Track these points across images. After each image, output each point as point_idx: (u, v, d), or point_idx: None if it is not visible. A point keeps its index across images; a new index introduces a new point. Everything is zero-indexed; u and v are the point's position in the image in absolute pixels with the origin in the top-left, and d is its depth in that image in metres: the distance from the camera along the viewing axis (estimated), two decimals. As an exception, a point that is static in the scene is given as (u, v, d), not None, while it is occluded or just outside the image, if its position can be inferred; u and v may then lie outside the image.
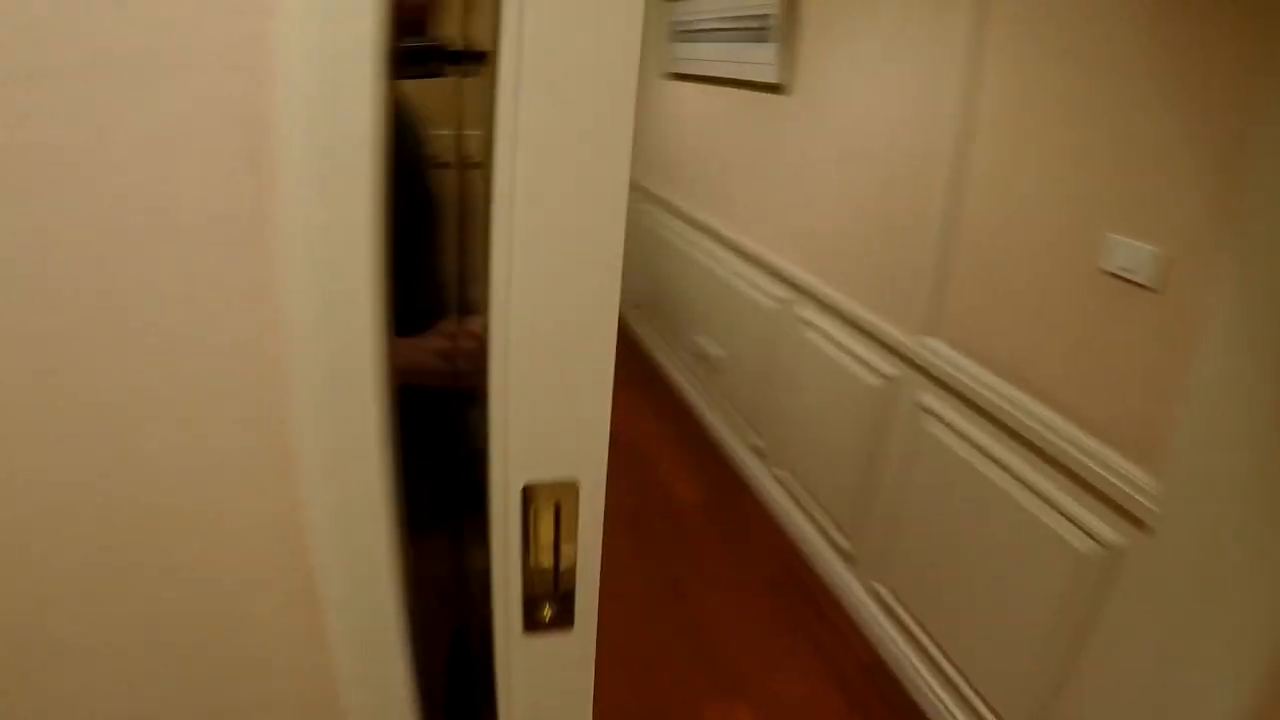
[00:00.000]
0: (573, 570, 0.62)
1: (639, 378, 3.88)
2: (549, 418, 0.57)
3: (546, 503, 0.59)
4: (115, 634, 0.55)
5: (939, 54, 1.84)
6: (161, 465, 0.51)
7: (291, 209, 0.48)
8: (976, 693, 1.78)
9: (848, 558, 2.32)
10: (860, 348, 2.19)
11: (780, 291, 2.64)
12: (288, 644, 0.60)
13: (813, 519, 2.51)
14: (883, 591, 2.14)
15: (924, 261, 1.92)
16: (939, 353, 1.88)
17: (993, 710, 1.74)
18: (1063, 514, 1.51)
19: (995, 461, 1.69)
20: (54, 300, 0.46)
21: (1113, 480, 1.40)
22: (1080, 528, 1.47)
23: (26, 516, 0.50)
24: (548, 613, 0.64)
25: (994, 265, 1.71)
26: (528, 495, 0.59)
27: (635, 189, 4.21)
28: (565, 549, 0.61)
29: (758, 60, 2.63)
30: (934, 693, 1.92)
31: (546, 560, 0.61)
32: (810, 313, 2.45)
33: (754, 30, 2.61)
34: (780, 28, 2.47)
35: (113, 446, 0.50)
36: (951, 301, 1.85)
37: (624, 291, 0.54)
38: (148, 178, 0.45)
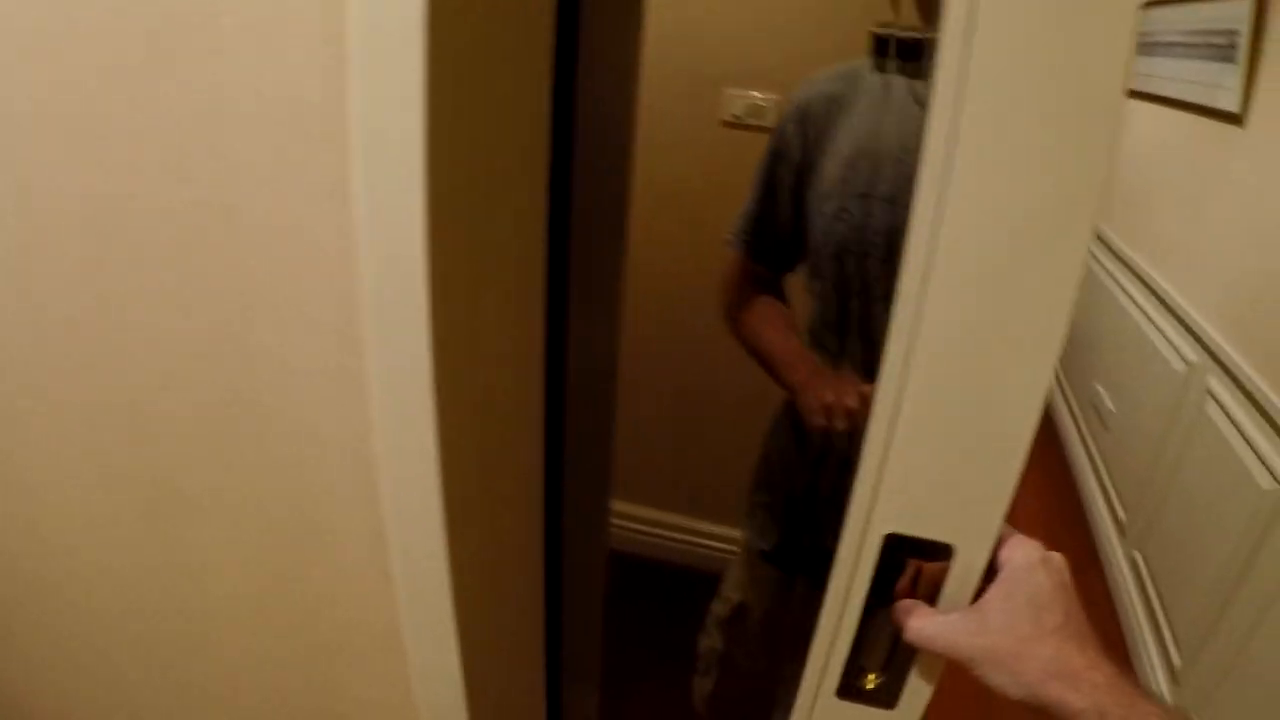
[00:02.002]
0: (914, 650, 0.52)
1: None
2: (935, 465, 0.48)
3: (909, 563, 0.51)
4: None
5: None
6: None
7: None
8: None
9: (1174, 678, 1.98)
10: (1265, 442, 1.81)
11: (1191, 353, 2.26)
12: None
13: (1153, 620, 2.16)
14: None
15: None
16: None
17: None
18: None
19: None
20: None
21: None
22: None
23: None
24: (871, 682, 0.56)
25: None
26: (890, 547, 0.50)
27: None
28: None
29: (1215, 83, 2.23)
30: None
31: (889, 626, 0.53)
32: (1220, 386, 2.07)
33: (1217, 48, 2.22)
34: (1249, 48, 2.07)
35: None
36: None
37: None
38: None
